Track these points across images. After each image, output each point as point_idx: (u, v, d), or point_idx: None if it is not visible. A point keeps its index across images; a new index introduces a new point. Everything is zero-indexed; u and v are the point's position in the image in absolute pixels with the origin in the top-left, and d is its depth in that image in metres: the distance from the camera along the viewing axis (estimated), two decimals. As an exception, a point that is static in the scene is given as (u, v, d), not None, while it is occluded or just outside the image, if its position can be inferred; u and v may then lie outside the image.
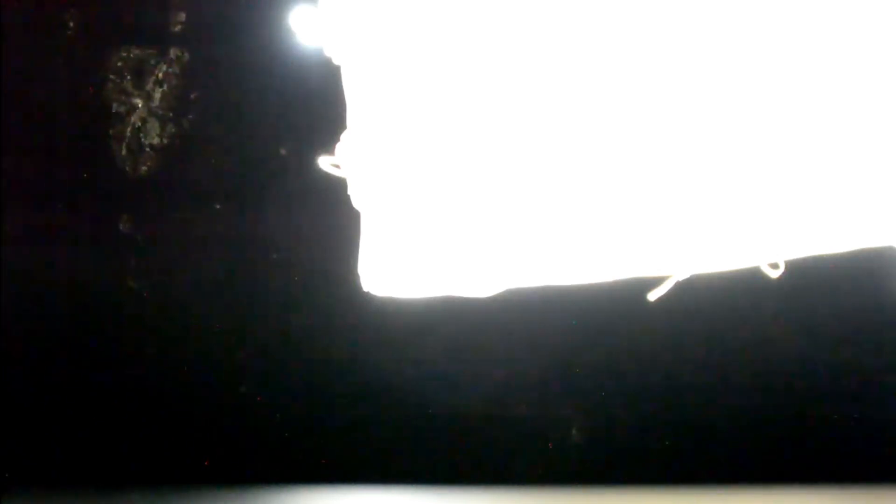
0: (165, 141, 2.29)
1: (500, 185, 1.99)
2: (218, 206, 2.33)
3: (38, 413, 2.35)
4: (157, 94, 2.27)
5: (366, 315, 2.29)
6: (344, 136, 2.05)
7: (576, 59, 1.96)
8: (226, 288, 2.37)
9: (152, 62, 2.25)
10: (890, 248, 1.98)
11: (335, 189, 2.10)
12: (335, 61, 2.06)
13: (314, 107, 2.30)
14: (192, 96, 2.28)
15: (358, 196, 2.04)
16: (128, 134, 2.26)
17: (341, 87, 2.06)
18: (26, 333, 2.36)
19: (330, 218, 2.27)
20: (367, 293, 2.08)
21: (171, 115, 2.29)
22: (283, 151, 2.28)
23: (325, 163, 2.07)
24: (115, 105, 2.29)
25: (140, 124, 2.26)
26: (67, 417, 2.35)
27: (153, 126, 2.27)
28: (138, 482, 2.32)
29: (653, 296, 2.05)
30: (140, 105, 2.26)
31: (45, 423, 2.35)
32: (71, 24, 2.30)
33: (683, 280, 2.02)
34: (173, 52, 2.26)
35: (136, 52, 2.26)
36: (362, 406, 2.34)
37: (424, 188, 2.01)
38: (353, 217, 2.08)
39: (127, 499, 2.30)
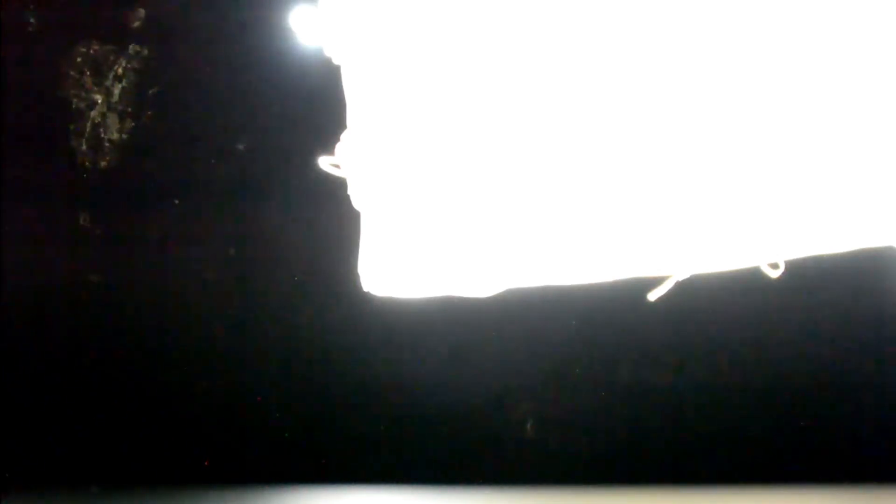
0: (125, 136, 2.30)
1: (500, 185, 1.99)
2: (176, 202, 2.34)
3: (38, 413, 2.35)
4: (117, 90, 2.29)
5: (366, 315, 2.29)
6: (344, 136, 2.05)
7: (576, 59, 1.96)
8: (216, 287, 2.38)
9: (112, 58, 2.26)
10: (890, 248, 1.98)
11: (335, 189, 2.10)
12: (335, 61, 2.06)
13: (314, 107, 2.30)
14: (151, 92, 2.30)
15: (358, 196, 2.04)
16: (87, 129, 2.28)
17: (341, 87, 2.06)
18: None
19: (330, 218, 2.27)
20: (367, 293, 2.08)
21: (130, 110, 2.30)
22: (240, 147, 2.29)
23: (325, 163, 2.07)
24: (74, 101, 2.31)
25: (100, 120, 2.28)
26: (67, 417, 2.35)
27: (112, 121, 2.28)
28: (138, 482, 2.32)
29: (653, 296, 2.05)
30: (100, 101, 2.28)
31: (45, 423, 2.35)
32: (32, 21, 2.31)
33: (683, 280, 2.02)
34: (132, 49, 2.28)
35: (95, 47, 2.27)
36: (362, 406, 2.34)
37: (424, 188, 2.01)
38: (353, 217, 2.08)
39: (127, 499, 2.30)
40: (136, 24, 2.28)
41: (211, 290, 2.38)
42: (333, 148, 2.06)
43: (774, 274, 2.01)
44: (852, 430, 2.25)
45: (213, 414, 2.36)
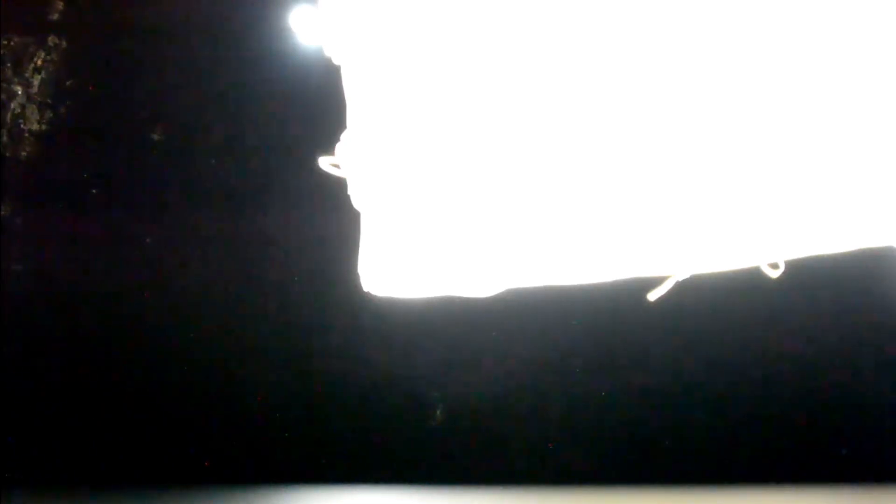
0: (44, 127, 2.32)
1: (500, 185, 1.99)
2: (94, 191, 2.35)
3: (37, 413, 2.35)
4: (36, 82, 2.30)
5: (366, 315, 2.29)
6: (344, 136, 2.05)
7: (576, 59, 1.96)
8: (215, 286, 2.38)
9: (31, 50, 2.28)
10: (890, 248, 1.98)
11: (335, 189, 2.10)
12: (335, 61, 2.06)
13: (314, 107, 2.30)
14: (69, 83, 2.32)
15: (358, 196, 2.04)
16: (8, 120, 2.29)
17: (341, 87, 2.06)
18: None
19: (330, 218, 2.27)
20: (367, 293, 2.08)
21: (49, 101, 2.32)
22: (155, 136, 2.31)
23: (325, 163, 2.07)
24: None
25: (20, 111, 2.30)
26: (67, 417, 2.35)
27: (32, 112, 2.30)
28: (138, 482, 2.32)
29: (653, 296, 2.05)
30: (20, 92, 2.29)
31: (45, 423, 2.35)
32: None
33: (683, 280, 2.02)
34: (51, 40, 2.29)
35: (15, 39, 2.29)
36: (362, 406, 2.34)
37: (424, 188, 2.01)
38: (353, 217, 2.08)
39: (127, 499, 2.30)
40: (55, 16, 2.30)
41: (211, 289, 2.38)
42: (333, 148, 2.06)
43: (774, 274, 2.01)
44: (852, 430, 2.25)
45: (213, 414, 2.36)
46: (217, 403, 2.36)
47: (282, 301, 2.37)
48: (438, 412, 2.33)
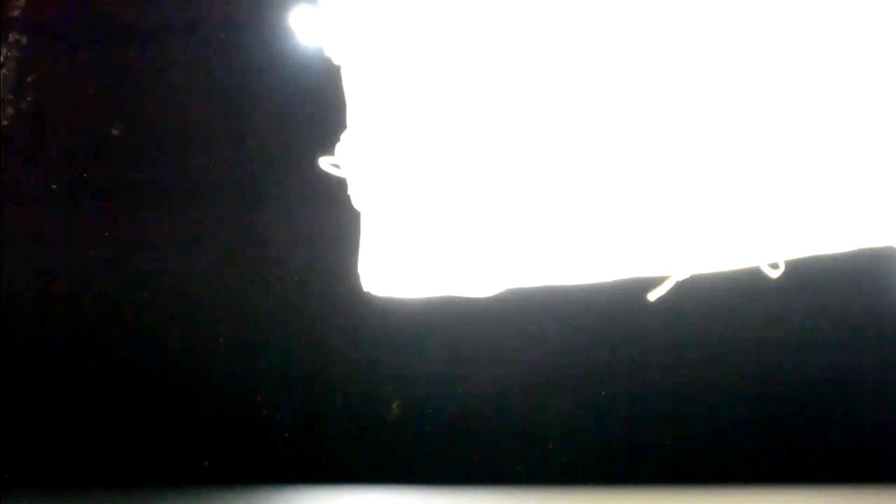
0: (5, 123, 2.32)
1: (500, 185, 1.99)
2: (54, 187, 2.34)
3: (37, 413, 2.35)
4: None
5: (366, 315, 2.29)
6: (344, 136, 2.05)
7: (576, 59, 1.96)
8: (216, 286, 2.38)
9: None
10: (890, 248, 1.98)
11: (335, 189, 2.10)
12: (335, 61, 2.06)
13: (314, 107, 2.30)
14: (30, 79, 2.32)
15: (358, 196, 2.04)
16: None
17: (341, 87, 2.06)
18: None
19: (330, 218, 2.27)
20: (367, 293, 2.08)
21: (11, 97, 2.32)
22: (115, 132, 2.31)
23: (325, 163, 2.07)
24: None
25: None
26: (67, 417, 2.35)
27: None
28: (138, 482, 2.32)
29: (653, 296, 2.05)
30: None
31: (45, 423, 2.35)
32: None
33: (683, 280, 2.02)
34: (12, 37, 2.29)
35: None
36: (362, 406, 2.34)
37: (424, 188, 2.01)
38: (353, 217, 2.08)
39: (127, 499, 2.30)
40: (16, 12, 2.29)
41: (211, 289, 2.38)
42: (333, 148, 2.06)
43: (774, 274, 2.01)
44: (852, 430, 2.25)
45: (213, 414, 2.36)
46: (217, 403, 2.36)
47: (282, 301, 2.37)
48: (438, 412, 2.33)
